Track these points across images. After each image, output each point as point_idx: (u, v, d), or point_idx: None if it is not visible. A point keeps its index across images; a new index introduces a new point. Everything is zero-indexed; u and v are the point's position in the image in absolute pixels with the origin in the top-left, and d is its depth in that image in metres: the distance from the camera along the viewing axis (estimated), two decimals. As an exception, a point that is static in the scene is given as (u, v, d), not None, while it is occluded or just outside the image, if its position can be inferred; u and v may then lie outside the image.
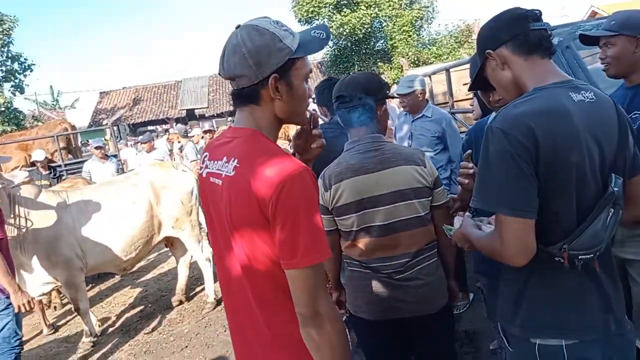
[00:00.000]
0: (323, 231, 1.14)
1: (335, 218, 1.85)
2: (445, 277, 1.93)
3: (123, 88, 27.53)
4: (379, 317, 1.84)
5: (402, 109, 3.97)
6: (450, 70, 5.08)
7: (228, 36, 1.22)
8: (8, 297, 2.83)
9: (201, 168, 1.34)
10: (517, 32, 1.32)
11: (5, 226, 3.01)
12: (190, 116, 24.80)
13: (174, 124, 24.55)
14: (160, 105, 25.95)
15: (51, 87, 33.41)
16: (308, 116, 1.35)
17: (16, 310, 2.83)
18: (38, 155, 6.28)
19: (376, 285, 1.84)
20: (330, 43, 23.11)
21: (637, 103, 1.93)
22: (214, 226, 1.32)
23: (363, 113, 1.80)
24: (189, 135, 8.72)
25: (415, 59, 21.46)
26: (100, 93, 27.30)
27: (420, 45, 22.25)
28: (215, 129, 7.33)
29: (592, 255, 1.23)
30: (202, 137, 7.67)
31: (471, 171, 1.63)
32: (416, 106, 3.66)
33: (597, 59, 2.20)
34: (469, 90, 1.73)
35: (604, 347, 1.28)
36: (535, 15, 1.33)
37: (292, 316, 1.19)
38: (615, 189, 1.23)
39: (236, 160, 1.18)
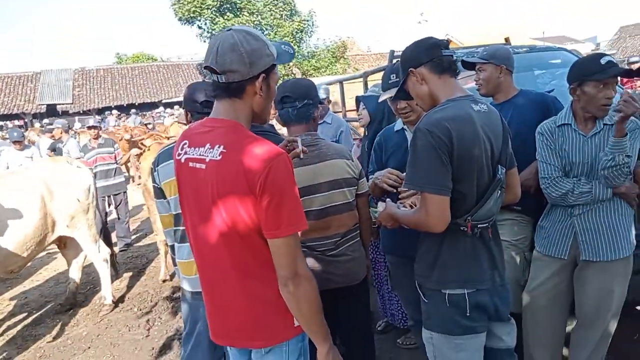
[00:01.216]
0: (301, 205, 1.41)
1: None
2: (365, 255, 2.31)
3: (-36, 76, 23.85)
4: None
5: None
6: (344, 82, 5.61)
7: (215, 36, 1.46)
8: None
9: (179, 154, 1.49)
10: (432, 56, 1.74)
11: None
12: (51, 112, 22.41)
13: (31, 119, 22.00)
14: (14, 98, 23.04)
15: None
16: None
17: None
18: None
19: (311, 262, 2.14)
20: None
21: (503, 116, 2.52)
22: (189, 207, 1.51)
23: (304, 113, 2.11)
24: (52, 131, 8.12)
25: (298, 70, 22.29)
26: None
27: (300, 56, 23.15)
28: (99, 125, 6.93)
29: (486, 224, 1.70)
30: (86, 133, 7.23)
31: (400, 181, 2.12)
32: (323, 112, 4.05)
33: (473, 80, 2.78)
34: (393, 99, 2.14)
35: (492, 294, 1.75)
36: (446, 44, 1.78)
37: (264, 280, 1.43)
38: (501, 176, 1.72)
39: (222, 147, 1.37)
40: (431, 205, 1.61)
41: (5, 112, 21.68)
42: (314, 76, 21.85)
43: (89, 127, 6.48)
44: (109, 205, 6.38)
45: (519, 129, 2.28)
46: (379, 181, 2.24)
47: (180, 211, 2.15)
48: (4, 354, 3.75)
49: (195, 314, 2.31)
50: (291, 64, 22.27)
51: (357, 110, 3.29)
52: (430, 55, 1.73)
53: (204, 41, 22.99)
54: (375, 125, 3.05)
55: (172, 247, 2.33)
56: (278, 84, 2.31)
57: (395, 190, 2.20)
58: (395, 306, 3.21)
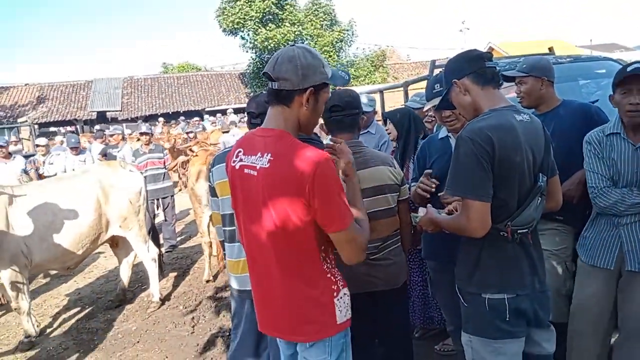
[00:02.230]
0: (345, 200, 1.53)
1: None
2: (404, 258, 2.38)
3: (26, 85, 25.39)
4: (358, 290, 2.20)
5: None
6: (384, 91, 5.68)
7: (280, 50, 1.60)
8: None
9: (234, 161, 1.64)
10: (476, 67, 1.81)
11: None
12: (101, 118, 23.52)
13: (82, 125, 23.15)
14: (67, 105, 24.32)
15: None
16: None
17: None
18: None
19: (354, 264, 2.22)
20: (253, 55, 23.47)
21: (546, 126, 2.54)
22: (242, 209, 1.65)
23: (351, 122, 2.21)
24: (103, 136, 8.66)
25: (336, 79, 22.47)
26: (-2, 88, 24.92)
27: (339, 65, 23.36)
28: (152, 132, 7.30)
29: (526, 230, 1.74)
30: (138, 140, 7.62)
31: (433, 186, 2.25)
32: (368, 123, 4.14)
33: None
34: (436, 109, 2.22)
35: (532, 300, 1.78)
36: (489, 57, 1.84)
37: (308, 280, 1.57)
38: (542, 183, 1.75)
39: (270, 154, 1.52)
40: (472, 211, 1.67)
41: (59, 119, 22.90)
42: (353, 85, 22.01)
43: (142, 134, 6.83)
44: (157, 207, 6.70)
45: (561, 139, 2.30)
46: (417, 190, 2.32)
47: (227, 212, 2.32)
48: (62, 344, 4.02)
49: (241, 311, 2.45)
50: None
51: (386, 126, 3.37)
52: (474, 66, 1.80)
53: (246, 51, 23.63)
54: (404, 137, 3.16)
55: (222, 243, 2.51)
56: (335, 92, 2.45)
57: (429, 196, 2.27)
58: (433, 308, 3.25)
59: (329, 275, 1.59)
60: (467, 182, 1.68)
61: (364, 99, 4.06)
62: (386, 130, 3.35)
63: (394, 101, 6.22)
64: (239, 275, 2.37)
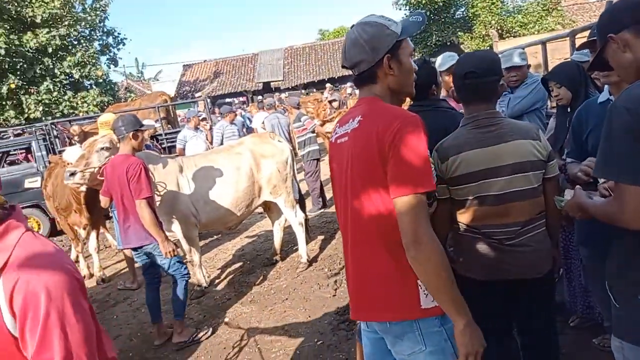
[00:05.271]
0: (430, 167, 1.40)
1: (450, 187, 2.03)
2: (550, 245, 2.08)
3: (204, 61, 28.79)
4: (489, 277, 2.02)
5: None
6: (547, 43, 4.95)
7: (346, 32, 1.58)
8: None
9: (332, 138, 1.66)
10: (639, 17, 1.43)
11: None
12: (266, 89, 25.52)
13: (251, 96, 25.43)
14: (238, 78, 26.90)
15: (136, 59, 35.72)
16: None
17: (165, 256, 3.40)
18: (149, 124, 6.97)
19: (486, 249, 2.01)
20: (407, 12, 22.64)
21: None
22: (336, 183, 1.64)
23: (489, 90, 1.96)
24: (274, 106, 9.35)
25: (499, 28, 20.42)
26: (184, 66, 28.75)
27: (504, 13, 21.12)
28: (342, 101, 7.84)
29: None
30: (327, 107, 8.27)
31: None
32: (521, 81, 3.67)
33: None
34: (588, 71, 1.84)
35: None
36: (656, 1, 1.43)
37: (393, 251, 1.44)
38: None
39: (360, 116, 1.51)
40: (627, 197, 1.36)
41: (232, 91, 25.58)
42: (519, 34, 19.77)
43: (330, 101, 7.42)
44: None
45: None
46: (577, 171, 1.98)
47: None
48: (226, 295, 4.62)
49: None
50: (492, 22, 20.56)
51: (549, 94, 2.84)
52: (636, 16, 1.43)
53: (399, 9, 22.90)
54: (583, 98, 2.55)
55: None
56: (463, 55, 2.22)
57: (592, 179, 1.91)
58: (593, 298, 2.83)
59: None
60: (620, 161, 1.37)
61: (515, 56, 3.61)
62: (555, 96, 2.76)
63: (561, 54, 5.39)
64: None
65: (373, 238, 1.48)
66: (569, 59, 3.45)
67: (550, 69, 5.10)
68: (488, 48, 18.05)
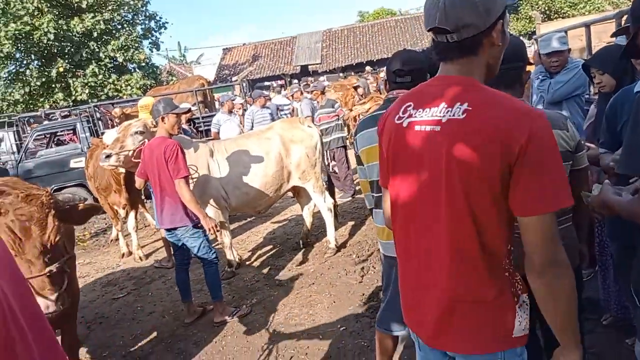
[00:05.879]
0: (566, 176, 1.21)
1: None
2: (578, 240, 2.00)
3: (243, 44, 29.01)
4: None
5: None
6: (591, 25, 4.69)
7: None
8: (194, 226, 3.59)
9: (399, 118, 1.34)
10: None
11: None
12: (304, 72, 25.47)
13: (289, 79, 25.47)
14: (276, 61, 26.96)
15: (179, 43, 36.36)
16: None
17: (208, 233, 3.57)
18: (184, 106, 7.11)
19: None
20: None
21: None
22: (405, 174, 1.33)
23: (511, 77, 1.83)
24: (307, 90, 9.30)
25: (546, 8, 19.47)
26: (224, 49, 29.07)
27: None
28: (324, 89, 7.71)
29: None
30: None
31: None
32: (562, 66, 3.50)
33: None
34: (621, 58, 1.73)
35: None
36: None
37: (488, 272, 1.23)
38: None
39: (466, 104, 1.20)
40: (653, 195, 1.29)
41: (270, 74, 25.68)
42: (568, 15, 18.78)
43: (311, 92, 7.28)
44: (331, 159, 7.11)
45: None
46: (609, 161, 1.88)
47: (375, 178, 2.27)
48: (255, 277, 4.71)
49: (389, 273, 2.45)
50: (540, 2, 19.59)
51: (591, 80, 2.67)
52: None
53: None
54: (628, 84, 2.35)
55: (371, 210, 2.49)
56: None
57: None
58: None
59: (507, 275, 1.26)
60: (647, 157, 1.29)
61: (554, 41, 3.44)
62: (598, 83, 2.58)
63: (607, 37, 5.07)
64: (384, 242, 2.36)
65: (475, 259, 1.22)
66: (613, 43, 3.25)
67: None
68: (534, 30, 17.24)
